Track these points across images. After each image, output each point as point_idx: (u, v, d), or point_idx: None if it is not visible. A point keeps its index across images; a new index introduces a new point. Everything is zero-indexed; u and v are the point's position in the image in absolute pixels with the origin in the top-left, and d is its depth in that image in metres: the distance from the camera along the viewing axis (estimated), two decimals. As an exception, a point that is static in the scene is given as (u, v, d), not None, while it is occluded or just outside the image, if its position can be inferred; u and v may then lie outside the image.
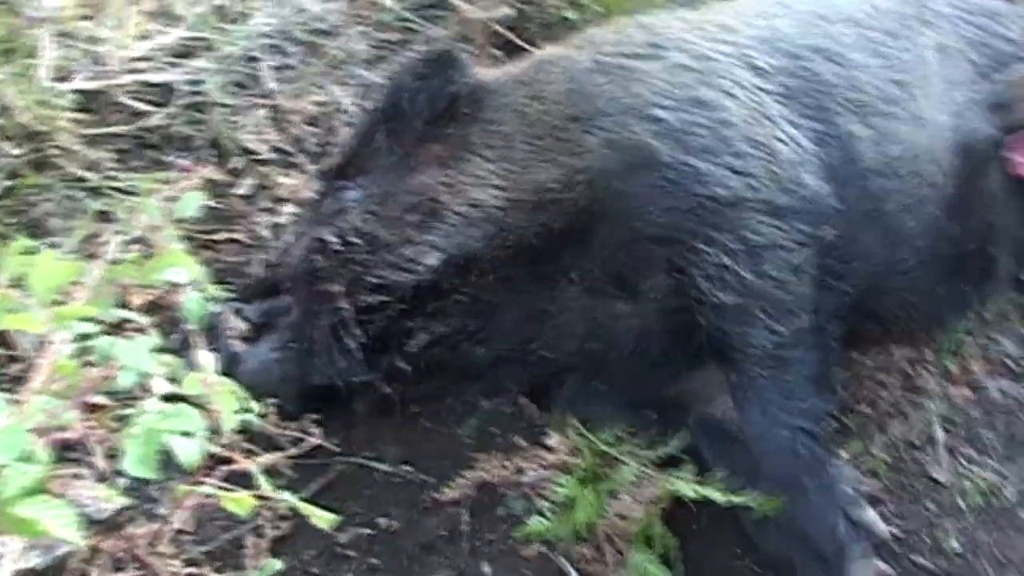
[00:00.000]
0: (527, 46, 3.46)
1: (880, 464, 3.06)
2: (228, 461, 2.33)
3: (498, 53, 3.49)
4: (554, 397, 2.99)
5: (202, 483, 2.26)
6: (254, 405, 2.38)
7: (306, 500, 2.21)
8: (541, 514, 2.77)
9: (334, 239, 2.87)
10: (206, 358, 2.37)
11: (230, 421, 2.10)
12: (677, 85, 2.88)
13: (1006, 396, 3.24)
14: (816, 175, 2.87)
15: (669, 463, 2.81)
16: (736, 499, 2.69)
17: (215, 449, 2.31)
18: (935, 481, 3.07)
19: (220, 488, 2.18)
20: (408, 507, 2.94)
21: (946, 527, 2.97)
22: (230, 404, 2.15)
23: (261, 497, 2.16)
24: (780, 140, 2.88)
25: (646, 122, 2.81)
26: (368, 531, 2.91)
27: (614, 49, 3.01)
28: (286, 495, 2.15)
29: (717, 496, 2.68)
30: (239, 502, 2.14)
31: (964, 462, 3.10)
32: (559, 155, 2.81)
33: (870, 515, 2.77)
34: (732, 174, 2.78)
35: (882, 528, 2.77)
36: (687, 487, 2.69)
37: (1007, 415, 3.22)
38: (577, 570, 2.82)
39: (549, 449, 2.85)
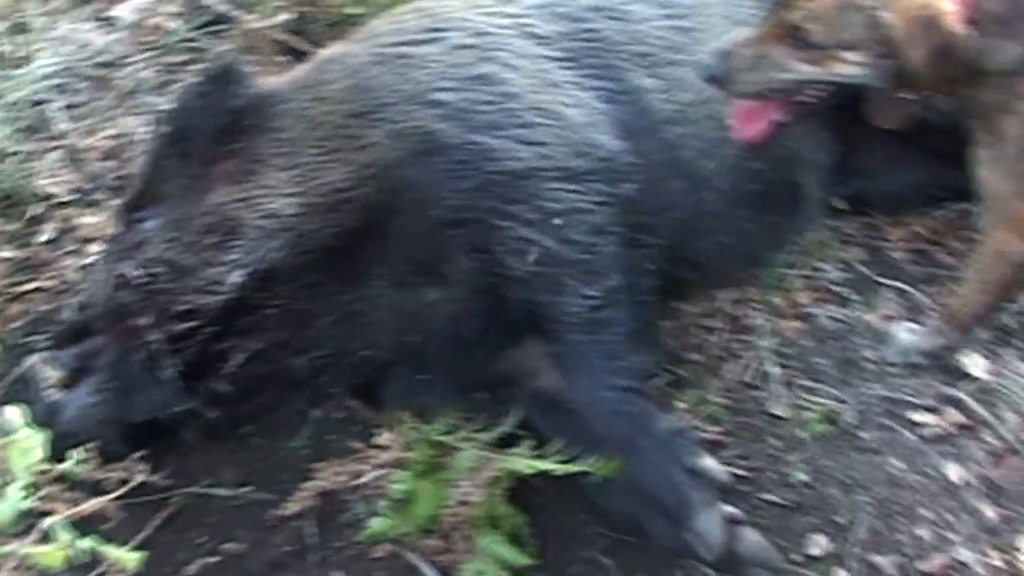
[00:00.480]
0: (314, 48, 3.45)
1: (718, 409, 3.11)
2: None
3: (284, 60, 3.48)
4: (383, 395, 3.00)
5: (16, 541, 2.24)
6: (72, 453, 2.36)
7: (147, 538, 2.19)
8: (382, 514, 2.78)
9: (137, 272, 2.86)
10: (13, 414, 2.35)
11: (24, 476, 2.08)
12: (457, 65, 2.91)
13: (835, 321, 3.33)
14: (609, 134, 2.93)
15: (507, 442, 2.83)
16: (573, 468, 2.72)
17: (34, 503, 2.29)
18: (775, 416, 3.13)
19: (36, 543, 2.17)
20: (253, 528, 2.94)
21: (790, 459, 3.04)
22: (25, 459, 2.13)
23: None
24: (568, 105, 2.92)
25: (428, 107, 2.84)
26: (215, 559, 2.90)
27: (392, 39, 3.04)
28: (86, 541, 2.14)
29: (553, 467, 2.71)
30: (50, 555, 2.13)
31: (802, 393, 3.17)
32: (346, 153, 2.83)
33: (708, 462, 2.83)
34: (522, 145, 2.82)
35: (721, 473, 2.82)
36: (522, 463, 2.72)
37: (838, 340, 3.30)
38: (429, 563, 2.84)
39: (383, 448, 2.87)
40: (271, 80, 3.11)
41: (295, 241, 2.81)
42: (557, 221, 2.79)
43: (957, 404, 3.16)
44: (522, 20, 3.06)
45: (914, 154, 3.42)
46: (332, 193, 2.81)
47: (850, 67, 2.67)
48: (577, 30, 3.05)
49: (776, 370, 3.21)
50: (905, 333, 3.22)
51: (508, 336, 2.92)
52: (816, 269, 3.45)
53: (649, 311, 2.92)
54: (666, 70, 3.06)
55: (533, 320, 2.83)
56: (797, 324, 3.34)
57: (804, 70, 2.70)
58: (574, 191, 2.83)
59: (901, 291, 3.41)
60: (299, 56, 3.44)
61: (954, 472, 3.04)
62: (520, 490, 2.84)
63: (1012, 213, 2.78)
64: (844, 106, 3.03)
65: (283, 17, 3.51)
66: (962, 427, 3.12)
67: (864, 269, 3.46)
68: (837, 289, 3.42)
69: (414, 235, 2.80)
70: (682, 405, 3.13)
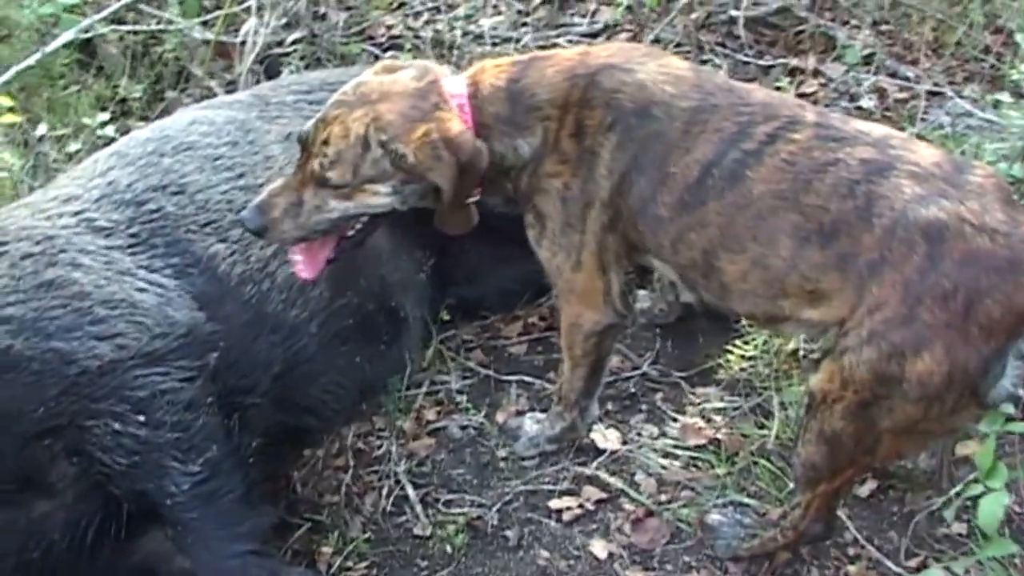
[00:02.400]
0: None
1: (363, 544, 3.41)
2: None
3: None
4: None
5: None
6: None
7: None
8: None
9: None
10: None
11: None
12: (22, 276, 3.15)
13: (465, 429, 3.68)
14: (186, 308, 3.22)
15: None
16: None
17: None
18: (419, 537, 3.44)
19: None
20: None
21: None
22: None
23: None
24: (140, 290, 3.20)
25: (1, 325, 3.07)
26: None
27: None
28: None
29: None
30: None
31: (442, 508, 3.49)
32: None
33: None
34: (98, 342, 3.08)
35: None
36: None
37: (471, 446, 3.65)
38: None
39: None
40: None
41: None
42: (145, 408, 3.05)
43: (593, 481, 3.52)
44: (85, 216, 3.31)
45: (510, 249, 3.72)
46: None
47: (380, 198, 3.05)
48: (139, 213, 3.33)
49: (413, 492, 3.51)
50: (531, 425, 3.58)
51: (129, 529, 3.15)
52: (438, 383, 3.78)
53: (256, 471, 3.18)
54: (234, 232, 3.37)
55: (147, 509, 3.07)
56: (428, 441, 3.67)
57: (338, 207, 3.05)
58: (158, 374, 3.10)
59: (525, 384, 3.80)
60: None
61: (600, 547, 3.39)
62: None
63: (571, 285, 3.18)
64: (426, 218, 3.43)
65: None
66: (600, 501, 3.48)
67: (486, 371, 3.82)
68: (462, 398, 3.77)
69: (7, 455, 3.01)
70: (327, 549, 3.41)
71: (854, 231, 2.78)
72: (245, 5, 4.49)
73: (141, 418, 3.05)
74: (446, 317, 3.85)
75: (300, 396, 3.43)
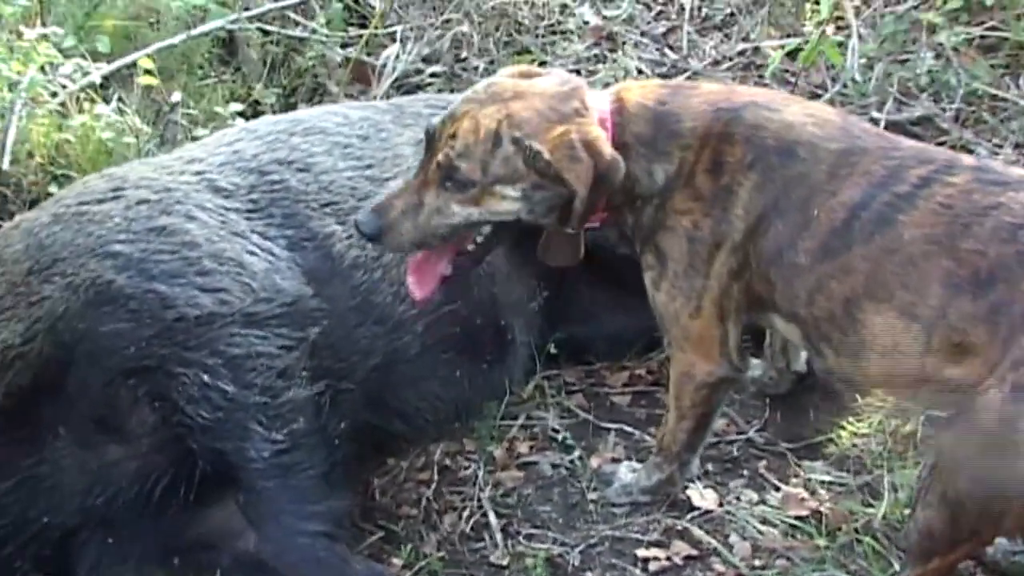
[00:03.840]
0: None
1: (436, 562, 3.27)
2: None
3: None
4: (77, 568, 3.08)
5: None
6: None
7: None
8: None
9: None
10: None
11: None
12: (135, 219, 3.15)
13: (557, 468, 3.54)
14: (294, 279, 3.17)
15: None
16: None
17: None
18: (495, 565, 3.30)
19: None
20: None
21: (512, 610, 3.19)
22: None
23: None
24: (251, 253, 3.17)
25: (104, 259, 3.05)
26: None
27: (73, 200, 3.27)
28: None
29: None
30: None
31: (523, 540, 3.35)
32: (20, 310, 3.01)
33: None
34: (200, 292, 3.05)
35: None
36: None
37: (560, 486, 3.52)
38: None
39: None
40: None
41: (-38, 406, 2.92)
42: (238, 366, 2.97)
43: (684, 535, 3.36)
44: (206, 176, 3.32)
45: (626, 297, 3.68)
46: (3, 351, 2.96)
47: (507, 203, 2.93)
48: (261, 182, 3.33)
49: (495, 519, 3.37)
50: (626, 473, 3.44)
51: (200, 493, 3.05)
52: (535, 418, 3.65)
53: (341, 454, 3.07)
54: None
55: (219, 470, 2.97)
56: (517, 473, 3.55)
57: (461, 212, 2.93)
58: (256, 336, 3.04)
59: (624, 433, 3.67)
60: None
61: (685, 602, 3.17)
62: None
63: (687, 332, 3.05)
64: None
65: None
66: (690, 558, 3.31)
67: (585, 415, 3.70)
68: (558, 436, 3.64)
69: (91, 389, 2.97)
70: (397, 561, 3.27)
71: (1013, 278, 2.64)
72: (390, 30, 4.47)
73: (231, 375, 3.00)
74: (553, 350, 3.71)
75: (394, 397, 3.36)
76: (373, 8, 4.60)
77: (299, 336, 3.12)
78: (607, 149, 2.88)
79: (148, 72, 3.82)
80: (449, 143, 2.89)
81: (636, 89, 3.06)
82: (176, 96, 3.91)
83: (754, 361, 3.62)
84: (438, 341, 3.42)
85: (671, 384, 3.19)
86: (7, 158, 3.57)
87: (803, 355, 3.53)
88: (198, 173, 3.35)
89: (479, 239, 3.04)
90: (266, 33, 4.44)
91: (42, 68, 3.61)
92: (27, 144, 3.76)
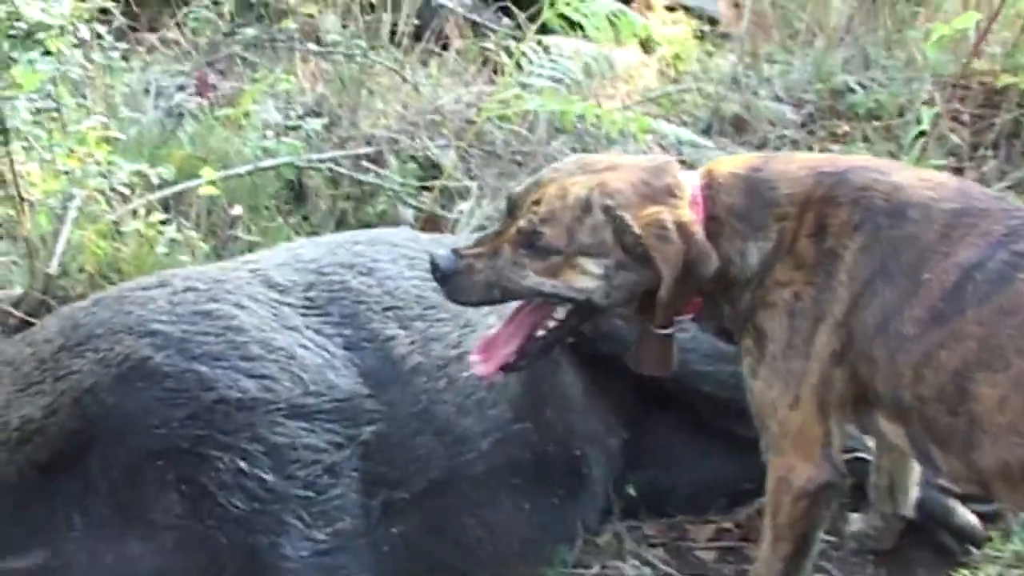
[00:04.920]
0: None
1: None
2: None
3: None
4: None
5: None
6: None
7: None
8: None
9: None
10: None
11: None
12: (180, 303, 2.93)
13: (633, 618, 3.14)
14: (349, 377, 2.90)
15: None
16: None
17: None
18: None
19: None
20: None
21: None
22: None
23: None
24: (303, 347, 2.93)
25: (142, 336, 2.82)
26: None
27: (118, 290, 3.06)
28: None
29: None
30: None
31: None
32: (45, 384, 2.76)
33: None
34: (244, 377, 2.79)
35: None
36: None
37: (639, 638, 3.09)
38: None
39: None
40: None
41: (-26, 485, 2.63)
42: (280, 455, 2.66)
43: None
44: (261, 271, 3.10)
45: (711, 444, 3.42)
46: (23, 424, 2.72)
47: (586, 279, 2.65)
48: (321, 281, 3.11)
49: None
50: (712, 626, 3.02)
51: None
52: (611, 568, 3.28)
53: (391, 563, 2.71)
54: (417, 324, 3.10)
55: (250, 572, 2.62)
56: (588, 624, 3.13)
57: (534, 280, 2.67)
58: (303, 428, 2.76)
59: (710, 586, 3.23)
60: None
61: None
62: None
63: (785, 427, 2.71)
64: (629, 386, 3.06)
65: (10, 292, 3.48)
66: None
67: (667, 568, 3.30)
68: (634, 587, 3.23)
69: (114, 470, 2.70)
70: None
71: None
72: (463, 184, 4.29)
73: (272, 463, 2.71)
74: (631, 492, 3.33)
75: (453, 522, 3.04)
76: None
77: (352, 434, 2.85)
78: (700, 237, 2.63)
79: (211, 183, 3.61)
80: (532, 209, 2.65)
81: (727, 162, 2.84)
82: (237, 210, 3.71)
83: (853, 516, 3.31)
84: (505, 464, 3.10)
85: (768, 497, 2.82)
86: (56, 261, 3.35)
87: (911, 495, 3.14)
88: (253, 270, 3.13)
89: (550, 324, 2.72)
90: (335, 183, 4.25)
91: (100, 174, 3.42)
92: (78, 256, 3.54)
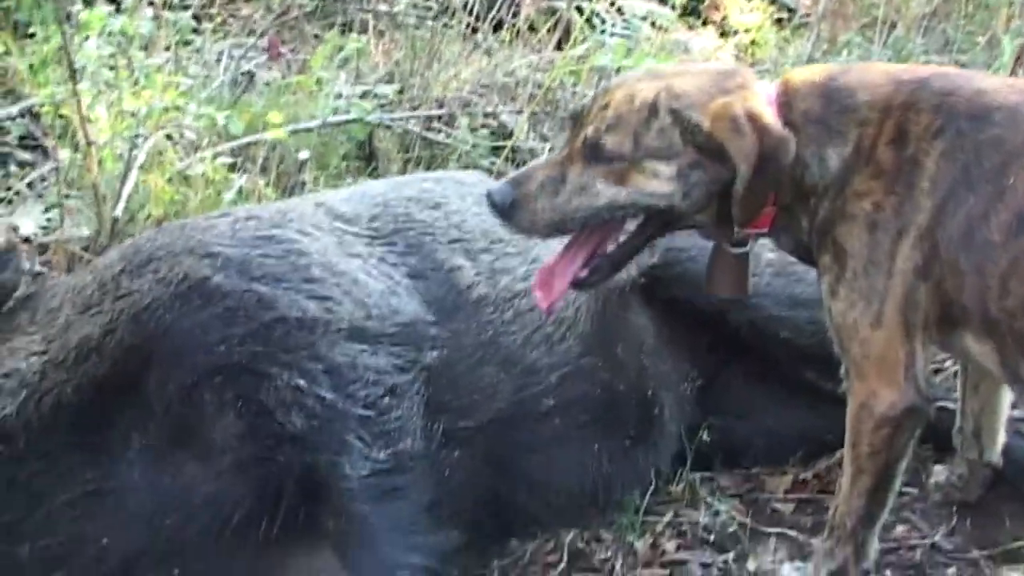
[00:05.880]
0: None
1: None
2: None
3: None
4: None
5: None
6: None
7: None
8: None
9: None
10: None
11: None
12: (242, 229, 2.88)
13: (708, 568, 3.03)
14: (413, 304, 2.83)
15: None
16: None
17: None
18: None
19: None
20: None
21: None
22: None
23: None
24: (367, 273, 2.86)
25: (202, 257, 2.76)
26: None
27: (181, 221, 3.00)
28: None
29: None
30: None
31: (664, 639, 2.81)
32: (105, 304, 2.71)
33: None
34: (305, 299, 2.72)
35: None
36: None
37: (712, 586, 2.96)
38: None
39: None
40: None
41: (31, 399, 2.57)
42: (341, 374, 2.58)
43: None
44: (326, 204, 3.07)
45: (789, 395, 3.33)
46: (81, 343, 2.66)
47: (660, 183, 2.54)
48: (387, 212, 3.06)
49: (639, 614, 2.85)
50: (791, 571, 2.93)
51: (284, 532, 2.60)
52: (683, 516, 3.16)
53: (455, 488, 2.65)
54: (484, 256, 3.04)
55: (309, 490, 2.54)
56: (661, 572, 3.05)
57: (606, 192, 2.55)
58: (364, 350, 2.68)
59: (787, 538, 3.14)
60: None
61: None
62: None
63: (867, 349, 2.57)
64: (704, 331, 3.01)
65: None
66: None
67: (743, 518, 3.19)
68: (710, 537, 3.14)
69: (171, 389, 2.61)
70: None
71: None
72: (537, 146, 4.20)
73: (332, 381, 2.63)
74: (706, 437, 3.24)
75: (520, 459, 2.94)
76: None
77: (414, 357, 2.76)
78: (775, 125, 2.51)
79: (277, 127, 3.54)
80: (600, 115, 2.54)
81: (803, 71, 2.72)
82: (304, 153, 3.63)
83: (937, 468, 3.18)
84: (574, 400, 3.00)
85: (848, 426, 2.67)
86: (121, 205, 3.29)
87: (999, 440, 3.01)
88: (319, 203, 3.08)
89: (622, 238, 2.58)
90: (405, 146, 4.17)
91: (165, 113, 3.36)
92: (145, 203, 3.49)
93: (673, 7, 5.00)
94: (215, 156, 3.46)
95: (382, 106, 4.20)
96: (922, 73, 2.62)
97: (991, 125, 2.47)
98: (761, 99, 2.54)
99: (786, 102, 2.58)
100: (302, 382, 2.58)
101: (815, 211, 2.59)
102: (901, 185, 2.50)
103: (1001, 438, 3.00)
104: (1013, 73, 4.46)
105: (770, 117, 2.50)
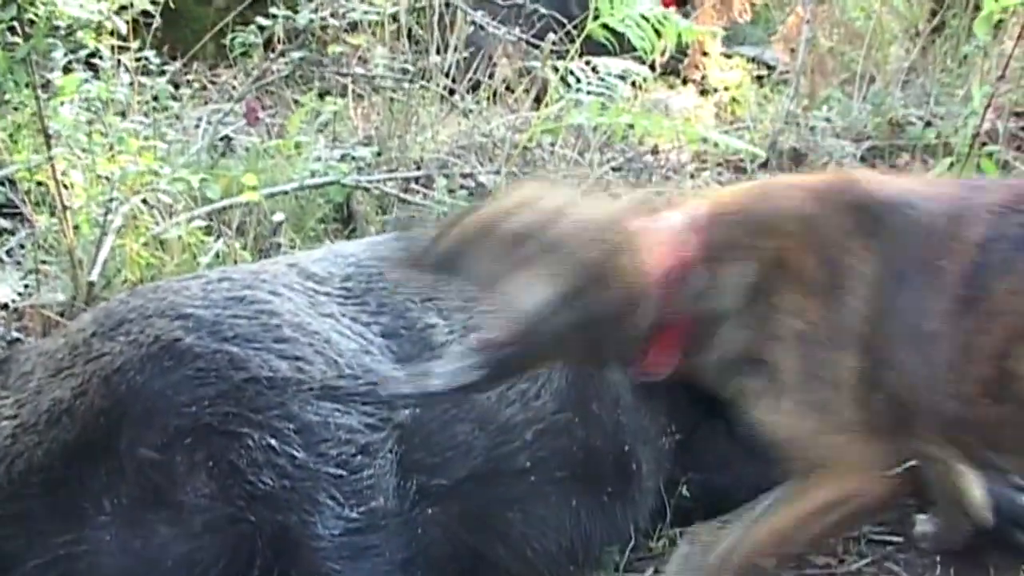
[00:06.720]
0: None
1: None
2: None
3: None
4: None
5: None
6: None
7: None
8: None
9: None
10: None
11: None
12: (215, 291, 2.89)
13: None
14: (386, 362, 2.82)
15: None
16: None
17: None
18: None
19: None
20: None
21: None
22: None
23: None
24: (339, 333, 2.85)
25: (175, 319, 2.77)
26: None
27: (154, 283, 3.00)
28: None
29: None
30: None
31: None
32: (76, 367, 2.72)
33: None
34: (276, 357, 2.72)
35: None
36: None
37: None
38: None
39: None
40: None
41: (2, 463, 2.59)
42: (312, 433, 2.58)
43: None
44: (298, 265, 3.08)
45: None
46: (52, 406, 2.66)
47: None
48: (359, 272, 3.06)
49: None
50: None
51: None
52: (662, 572, 3.12)
53: (427, 544, 2.62)
54: (459, 316, 3.04)
55: (280, 552, 2.52)
56: (640, 629, 2.98)
57: None
58: (336, 409, 2.68)
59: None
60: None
61: None
62: None
63: (832, 452, 2.52)
64: (682, 388, 2.96)
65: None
66: None
67: (724, 574, 3.13)
68: (689, 592, 3.06)
69: (143, 452, 2.60)
70: None
71: None
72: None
73: (303, 440, 2.62)
74: (685, 492, 3.19)
75: (496, 514, 2.93)
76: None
77: (386, 416, 2.75)
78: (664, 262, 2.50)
79: (252, 188, 3.55)
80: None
81: (722, 192, 2.76)
82: (279, 216, 3.64)
83: (920, 516, 3.17)
84: (549, 456, 2.98)
85: (802, 504, 2.62)
86: (97, 270, 3.29)
87: (978, 499, 3.01)
88: (291, 264, 3.09)
89: None
90: (383, 208, 4.19)
91: (141, 177, 3.37)
92: (121, 267, 3.49)
93: (652, 67, 5.01)
94: (190, 220, 3.46)
95: (360, 168, 4.20)
96: (832, 179, 2.60)
97: (910, 209, 2.45)
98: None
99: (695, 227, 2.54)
100: (273, 442, 2.58)
101: (729, 331, 2.55)
102: (827, 294, 2.45)
103: (980, 496, 2.97)
104: (983, 120, 4.47)
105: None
